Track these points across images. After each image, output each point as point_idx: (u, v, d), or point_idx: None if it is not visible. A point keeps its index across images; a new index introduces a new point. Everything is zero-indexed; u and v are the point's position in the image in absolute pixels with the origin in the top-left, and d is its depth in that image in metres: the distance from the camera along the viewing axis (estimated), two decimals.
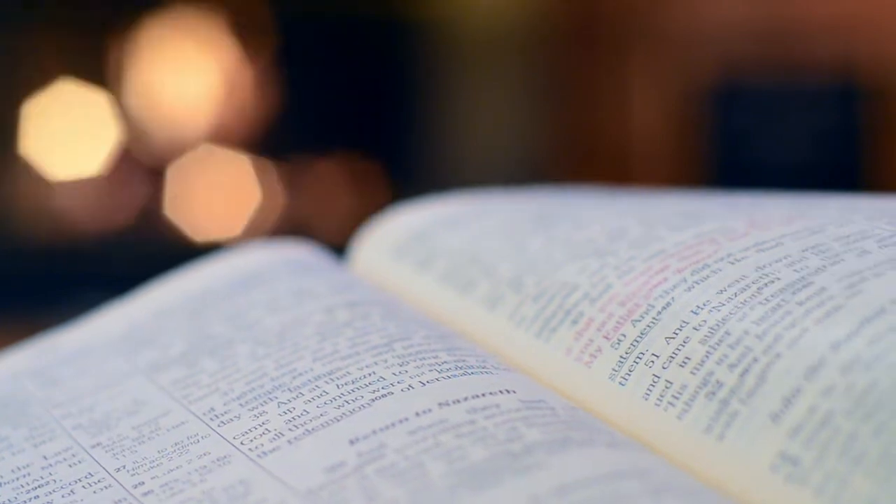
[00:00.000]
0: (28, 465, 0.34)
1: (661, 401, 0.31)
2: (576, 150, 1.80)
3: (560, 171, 1.76)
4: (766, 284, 0.32)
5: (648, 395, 0.31)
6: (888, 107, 1.65)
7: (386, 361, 0.34)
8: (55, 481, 0.33)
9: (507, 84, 1.76)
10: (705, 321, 0.32)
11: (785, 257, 0.33)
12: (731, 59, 1.71)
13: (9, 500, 0.32)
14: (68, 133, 1.68)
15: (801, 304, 0.31)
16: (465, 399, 0.31)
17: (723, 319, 0.31)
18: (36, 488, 0.33)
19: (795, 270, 0.32)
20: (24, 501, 0.32)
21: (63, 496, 0.32)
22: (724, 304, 0.32)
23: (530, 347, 0.35)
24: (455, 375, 0.33)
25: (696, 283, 0.33)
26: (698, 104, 1.72)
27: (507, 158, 1.75)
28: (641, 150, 1.76)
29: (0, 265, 1.65)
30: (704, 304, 0.32)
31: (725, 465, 0.29)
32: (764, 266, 0.33)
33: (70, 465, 0.33)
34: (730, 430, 0.29)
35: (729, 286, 0.32)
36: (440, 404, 0.31)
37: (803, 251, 0.33)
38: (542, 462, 0.28)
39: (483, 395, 0.32)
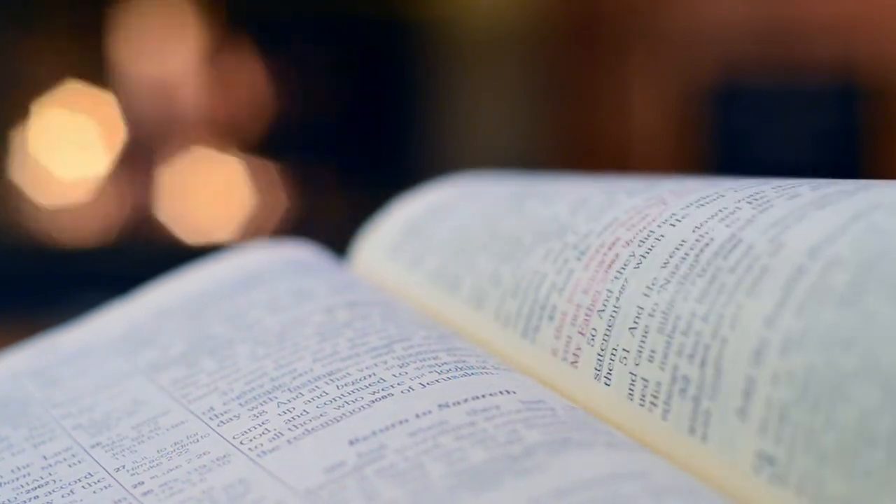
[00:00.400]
0: (28, 465, 0.34)
1: (643, 401, 0.31)
2: (576, 150, 1.80)
3: (560, 171, 1.75)
4: (702, 249, 0.32)
5: (632, 394, 0.31)
6: (888, 107, 1.65)
7: (386, 363, 0.34)
8: (55, 481, 0.33)
9: (507, 84, 1.76)
10: (657, 304, 0.31)
11: (721, 210, 0.32)
12: (731, 59, 1.71)
13: (9, 500, 0.32)
14: (67, 132, 1.68)
15: (732, 270, 0.30)
16: (466, 401, 0.31)
17: (671, 301, 0.31)
18: (36, 488, 0.33)
19: (727, 225, 0.32)
20: (24, 501, 0.32)
21: (63, 496, 0.32)
22: (668, 281, 0.32)
23: (521, 349, 0.35)
24: (455, 377, 0.33)
25: (643, 256, 0.33)
26: (698, 104, 1.72)
27: (508, 158, 1.75)
28: (641, 150, 1.76)
29: (0, 265, 1.65)
30: (653, 283, 0.32)
31: (715, 467, 0.29)
32: (700, 225, 0.32)
33: (70, 465, 0.33)
34: (709, 431, 0.29)
35: (671, 256, 0.32)
36: (440, 406, 0.31)
37: (738, 201, 0.32)
38: (543, 464, 0.28)
39: (483, 396, 0.31)
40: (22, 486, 0.33)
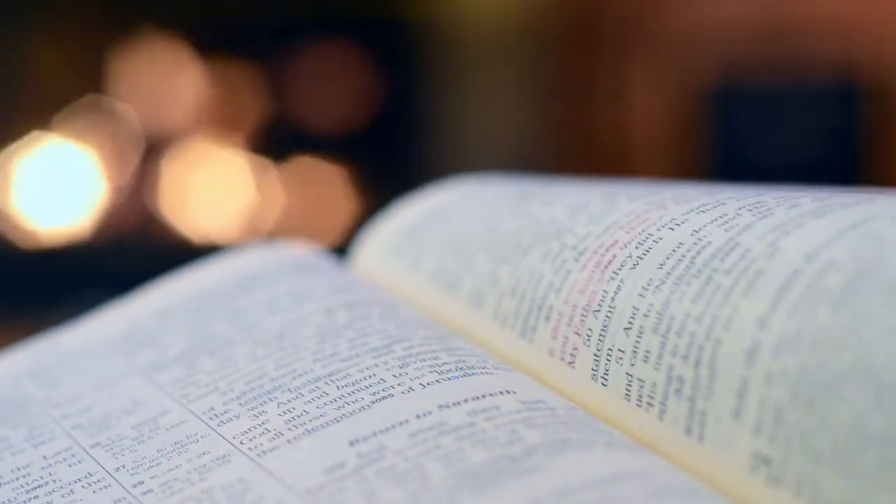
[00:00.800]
0: (28, 465, 0.34)
1: (640, 401, 0.31)
2: (576, 150, 1.80)
3: (560, 171, 1.75)
4: (698, 252, 0.32)
5: (629, 395, 0.31)
6: (888, 107, 1.65)
7: (386, 363, 0.34)
8: (55, 481, 0.33)
9: (507, 84, 1.76)
10: (652, 305, 0.32)
11: (720, 217, 0.33)
12: (731, 59, 1.71)
13: (9, 500, 0.32)
14: (67, 131, 1.68)
15: (728, 272, 0.30)
16: (466, 401, 0.31)
17: (666, 301, 0.31)
18: (36, 488, 0.33)
19: (726, 230, 0.32)
20: (24, 501, 0.32)
21: (63, 496, 0.32)
22: (664, 282, 0.32)
23: (519, 350, 0.35)
24: (455, 377, 0.33)
25: (640, 257, 0.33)
26: (698, 104, 1.72)
27: (507, 158, 1.75)
28: (641, 150, 1.76)
29: (0, 265, 1.65)
30: (648, 284, 0.32)
31: (712, 467, 0.29)
32: (699, 229, 0.32)
33: (70, 465, 0.33)
34: (706, 431, 0.29)
35: (668, 258, 0.32)
36: (440, 406, 0.31)
37: (739, 209, 0.33)
38: (542, 464, 0.28)
39: (483, 396, 0.31)
40: (22, 486, 0.33)
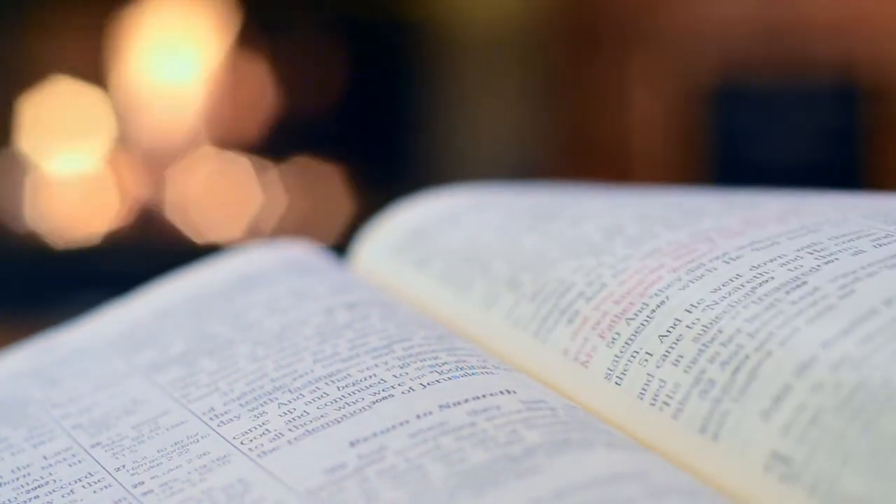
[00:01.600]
0: (28, 465, 0.34)
1: (655, 400, 0.31)
2: (575, 151, 1.81)
3: (559, 171, 1.76)
4: (760, 284, 0.32)
5: (643, 394, 0.31)
6: (888, 107, 1.65)
7: (386, 363, 0.34)
8: (55, 481, 0.33)
9: (506, 84, 1.76)
10: (698, 319, 0.32)
11: (780, 256, 0.33)
12: (731, 59, 1.71)
13: (9, 500, 0.32)
14: (67, 131, 1.69)
15: (794, 303, 0.31)
16: (466, 401, 0.31)
17: (716, 318, 0.32)
18: (36, 488, 0.33)
19: (790, 270, 0.32)
20: (24, 501, 0.32)
21: (63, 496, 0.32)
22: (717, 303, 0.32)
23: (528, 348, 0.35)
24: (456, 377, 0.33)
25: (691, 281, 0.33)
26: (698, 104, 1.72)
27: (507, 159, 1.75)
28: (641, 150, 1.76)
29: (0, 265, 1.65)
30: (698, 303, 0.32)
31: (722, 465, 0.29)
32: (759, 265, 0.33)
33: (70, 465, 0.33)
34: (723, 430, 0.29)
35: (723, 285, 0.33)
36: (441, 406, 0.31)
37: (798, 250, 0.33)
38: (542, 465, 0.28)
39: (484, 396, 0.32)
40: (22, 486, 0.33)
